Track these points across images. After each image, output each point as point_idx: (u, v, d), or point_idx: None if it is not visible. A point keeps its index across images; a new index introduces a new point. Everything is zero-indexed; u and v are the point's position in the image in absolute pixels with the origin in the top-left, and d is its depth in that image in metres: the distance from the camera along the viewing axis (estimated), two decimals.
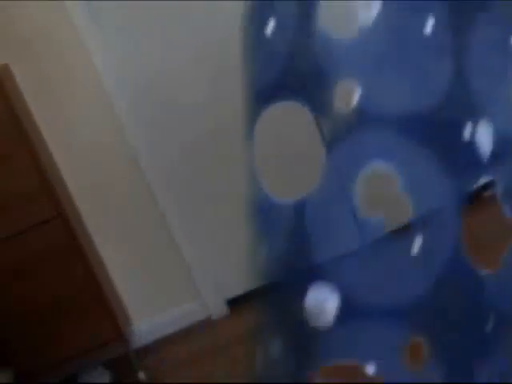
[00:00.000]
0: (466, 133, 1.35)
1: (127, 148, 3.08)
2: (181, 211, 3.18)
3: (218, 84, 3.06)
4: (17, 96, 2.88)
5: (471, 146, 1.36)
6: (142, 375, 3.00)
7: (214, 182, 3.16)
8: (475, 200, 1.52)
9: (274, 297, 1.46)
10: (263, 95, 1.37)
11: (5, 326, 2.83)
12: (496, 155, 1.35)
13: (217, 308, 3.26)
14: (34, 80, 2.99)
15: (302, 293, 1.40)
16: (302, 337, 1.46)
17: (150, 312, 3.25)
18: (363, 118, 1.31)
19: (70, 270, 2.85)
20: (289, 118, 1.37)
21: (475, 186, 1.46)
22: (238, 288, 3.25)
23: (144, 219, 3.17)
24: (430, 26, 1.31)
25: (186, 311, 3.25)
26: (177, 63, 3.03)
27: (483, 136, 1.36)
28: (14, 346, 2.86)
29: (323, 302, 1.39)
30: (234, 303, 3.27)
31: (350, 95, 1.30)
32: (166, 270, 3.22)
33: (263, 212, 1.40)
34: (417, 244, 1.37)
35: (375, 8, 1.32)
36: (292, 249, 1.41)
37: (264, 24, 1.34)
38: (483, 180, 1.45)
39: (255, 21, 1.38)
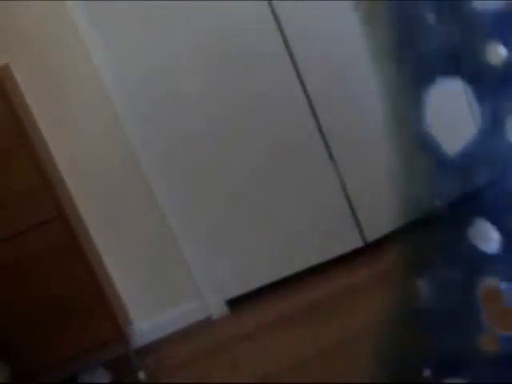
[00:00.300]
0: None
1: (127, 147, 3.08)
2: (181, 211, 3.18)
3: (219, 84, 3.06)
4: (17, 96, 2.88)
5: None
6: (141, 375, 3.00)
7: (213, 181, 3.16)
8: None
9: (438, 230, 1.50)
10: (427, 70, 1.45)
11: (5, 325, 2.82)
12: None
13: (217, 308, 3.26)
14: (34, 80, 2.98)
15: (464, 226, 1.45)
16: (467, 259, 1.47)
17: (150, 312, 3.25)
18: None
19: (70, 270, 2.84)
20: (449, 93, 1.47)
21: None
22: (238, 288, 3.25)
23: (144, 219, 3.17)
24: None
25: (186, 311, 3.25)
26: (177, 62, 3.03)
27: None
28: (14, 345, 2.86)
29: (486, 234, 1.43)
30: (234, 303, 3.27)
31: (499, 52, 1.38)
32: (166, 271, 3.22)
33: (441, 166, 1.47)
34: None
35: None
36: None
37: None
38: None
39: None
